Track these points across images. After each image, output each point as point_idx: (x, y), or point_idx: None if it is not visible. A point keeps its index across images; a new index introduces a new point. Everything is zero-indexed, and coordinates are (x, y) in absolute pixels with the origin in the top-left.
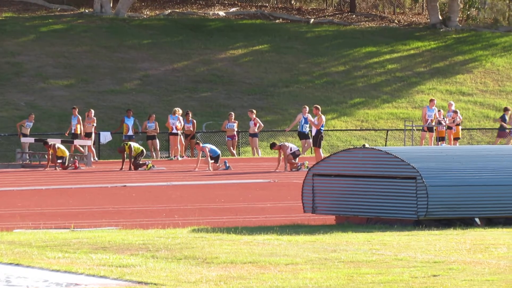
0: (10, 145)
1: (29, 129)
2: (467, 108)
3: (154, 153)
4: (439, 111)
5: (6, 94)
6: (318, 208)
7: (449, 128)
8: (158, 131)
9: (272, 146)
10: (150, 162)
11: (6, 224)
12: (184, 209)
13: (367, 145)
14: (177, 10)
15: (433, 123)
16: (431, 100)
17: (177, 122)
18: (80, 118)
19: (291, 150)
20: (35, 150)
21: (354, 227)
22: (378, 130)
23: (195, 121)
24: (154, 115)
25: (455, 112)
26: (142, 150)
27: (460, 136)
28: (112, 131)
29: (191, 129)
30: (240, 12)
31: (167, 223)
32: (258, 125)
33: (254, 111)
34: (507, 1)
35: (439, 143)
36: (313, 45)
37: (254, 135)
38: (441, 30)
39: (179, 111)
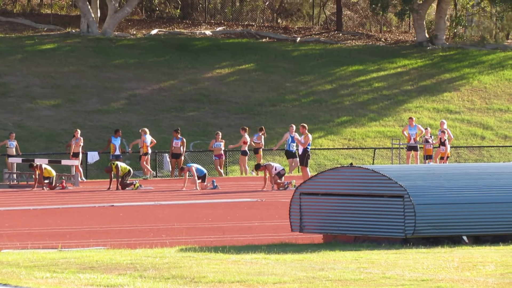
0: None
1: (13, 149)
2: (454, 126)
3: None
4: (426, 129)
5: None
6: (306, 227)
7: (438, 146)
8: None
9: (257, 167)
10: (137, 181)
11: None
12: (172, 229)
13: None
14: (164, 30)
15: (415, 142)
16: (410, 119)
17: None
18: None
19: (276, 169)
20: (22, 170)
21: (342, 245)
22: (365, 148)
23: (185, 140)
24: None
25: (443, 131)
26: (129, 170)
27: (445, 156)
28: (100, 151)
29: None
30: (226, 31)
31: (155, 243)
32: (248, 143)
33: (246, 128)
34: (494, 19)
35: (427, 161)
36: (299, 64)
37: (244, 153)
38: (428, 48)
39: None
